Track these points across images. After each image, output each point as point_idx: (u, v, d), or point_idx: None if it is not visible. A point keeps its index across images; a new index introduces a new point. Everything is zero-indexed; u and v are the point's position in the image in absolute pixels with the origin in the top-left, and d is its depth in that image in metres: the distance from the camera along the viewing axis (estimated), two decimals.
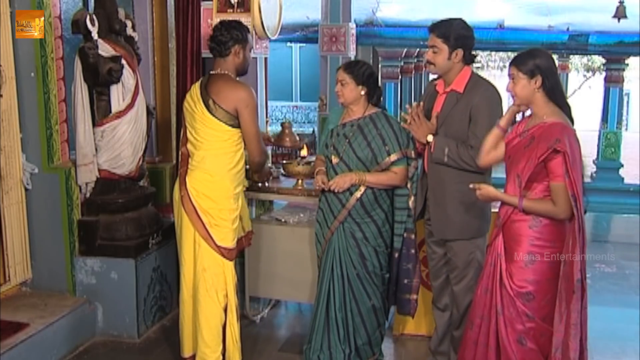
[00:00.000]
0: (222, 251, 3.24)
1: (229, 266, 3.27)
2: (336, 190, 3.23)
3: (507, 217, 2.77)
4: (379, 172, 3.23)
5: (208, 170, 3.21)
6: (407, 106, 3.21)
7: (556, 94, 2.72)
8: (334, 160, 3.30)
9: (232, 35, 3.24)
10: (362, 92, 3.23)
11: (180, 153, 3.36)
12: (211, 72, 3.31)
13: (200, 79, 3.33)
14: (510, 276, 2.74)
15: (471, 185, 2.84)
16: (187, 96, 3.31)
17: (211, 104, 3.16)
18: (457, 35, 3.08)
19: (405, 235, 3.33)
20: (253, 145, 3.27)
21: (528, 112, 2.85)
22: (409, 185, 3.31)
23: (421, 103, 3.22)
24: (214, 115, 3.16)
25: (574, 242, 2.62)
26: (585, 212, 2.79)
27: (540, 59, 2.70)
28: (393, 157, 3.21)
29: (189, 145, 3.28)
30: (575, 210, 2.59)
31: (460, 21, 3.15)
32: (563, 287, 2.65)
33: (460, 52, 3.08)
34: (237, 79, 3.31)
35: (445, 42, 3.07)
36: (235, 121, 3.19)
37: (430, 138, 3.12)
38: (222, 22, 3.31)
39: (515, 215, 2.74)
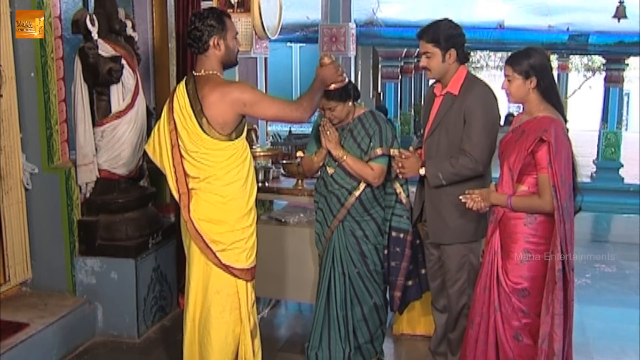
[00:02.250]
0: (235, 272, 2.88)
1: (243, 286, 2.91)
2: (327, 141, 3.21)
3: (502, 213, 2.79)
4: (359, 160, 3.22)
5: (218, 191, 2.83)
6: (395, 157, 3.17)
7: (550, 94, 2.75)
8: (330, 171, 3.29)
9: (206, 26, 2.81)
10: (350, 104, 3.26)
11: (174, 170, 2.87)
12: (194, 73, 2.87)
13: (184, 83, 2.87)
14: (506, 273, 2.77)
15: (461, 198, 2.87)
16: (176, 105, 2.83)
17: (205, 123, 2.77)
18: (447, 36, 3.04)
19: (394, 234, 3.32)
20: (287, 119, 2.94)
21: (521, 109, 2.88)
22: (398, 191, 3.30)
23: (397, 151, 3.18)
24: (209, 136, 2.77)
25: (554, 233, 2.65)
26: (578, 210, 2.82)
27: (535, 58, 2.72)
28: (376, 152, 3.20)
29: (186, 164, 2.85)
30: (555, 201, 2.61)
31: (447, 21, 3.11)
32: (549, 278, 2.69)
33: (453, 52, 3.06)
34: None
35: (436, 45, 3.04)
36: (234, 132, 2.82)
37: (422, 171, 3.11)
38: (194, 14, 2.90)
39: (510, 213, 2.77)
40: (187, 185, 2.87)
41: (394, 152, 3.18)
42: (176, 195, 2.89)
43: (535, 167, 2.68)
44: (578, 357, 3.77)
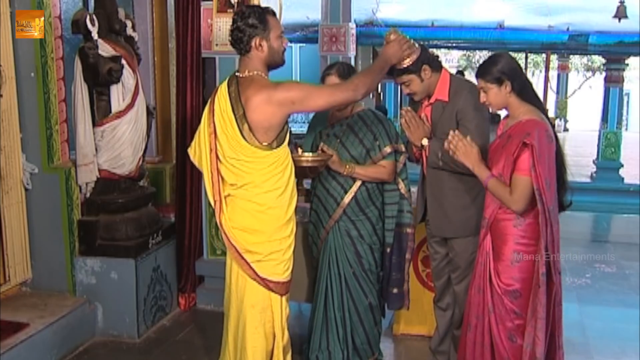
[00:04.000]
0: (271, 285, 2.73)
1: (277, 300, 2.76)
2: (330, 163, 3.20)
3: (493, 217, 2.81)
4: (368, 165, 3.24)
5: (256, 199, 2.67)
6: (401, 111, 3.22)
7: (527, 93, 2.77)
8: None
9: (248, 26, 2.63)
10: None
11: (211, 176, 2.72)
12: (237, 74, 2.71)
13: (226, 85, 2.71)
14: (497, 274, 2.78)
15: (449, 137, 2.84)
16: (217, 107, 2.68)
17: (246, 129, 2.60)
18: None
19: (397, 229, 3.35)
20: (337, 102, 2.73)
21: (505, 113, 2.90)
22: (400, 186, 3.32)
23: (409, 107, 3.23)
24: (249, 143, 2.61)
25: (539, 236, 2.68)
26: (569, 204, 2.86)
27: (502, 63, 2.74)
28: (385, 151, 3.22)
29: (223, 169, 2.70)
30: (540, 205, 2.63)
31: None
32: (534, 281, 2.71)
33: (426, 68, 3.07)
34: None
35: (409, 72, 3.06)
36: (275, 140, 2.66)
37: (425, 142, 3.14)
38: (237, 13, 2.74)
39: (500, 215, 2.79)
40: (223, 191, 2.73)
41: (405, 108, 3.19)
42: (212, 201, 2.75)
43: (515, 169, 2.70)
44: (578, 357, 3.79)
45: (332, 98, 2.69)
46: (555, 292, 2.74)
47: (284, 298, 2.79)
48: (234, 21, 2.68)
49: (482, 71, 2.78)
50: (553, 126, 2.80)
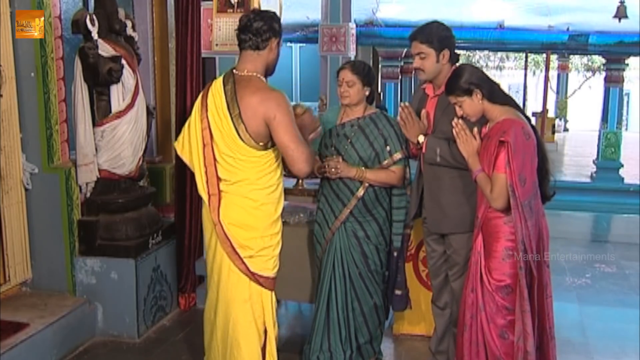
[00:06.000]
0: (261, 280, 2.79)
1: (267, 295, 2.84)
2: (332, 176, 3.21)
3: (484, 216, 2.86)
4: (378, 170, 3.24)
5: (250, 195, 2.72)
6: (400, 105, 3.23)
7: (497, 96, 2.83)
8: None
9: (271, 26, 2.70)
10: (366, 93, 3.26)
11: (204, 171, 2.74)
12: (235, 71, 2.73)
13: (222, 82, 2.73)
14: (489, 271, 2.82)
15: (458, 121, 2.89)
16: (210, 104, 2.70)
17: (242, 129, 2.64)
18: (440, 37, 3.09)
19: (407, 231, 3.40)
20: (292, 157, 2.66)
21: None
22: (408, 191, 3.36)
23: (408, 103, 3.24)
24: (245, 143, 2.66)
25: (514, 231, 2.74)
26: (553, 194, 2.93)
27: (466, 75, 2.82)
28: (396, 157, 3.24)
29: (218, 166, 2.73)
30: (512, 200, 2.70)
31: (439, 23, 3.17)
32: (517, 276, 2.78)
33: (446, 53, 3.10)
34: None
35: (430, 46, 3.08)
36: (270, 141, 2.70)
37: (421, 138, 3.15)
38: (255, 12, 2.80)
39: (490, 213, 2.83)
40: (218, 186, 2.74)
41: (403, 104, 3.20)
42: (205, 197, 2.76)
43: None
44: (578, 357, 3.80)
45: (291, 146, 2.64)
46: (544, 285, 2.81)
47: (272, 293, 2.87)
48: (254, 19, 2.71)
49: (451, 87, 2.86)
50: (530, 123, 2.86)
